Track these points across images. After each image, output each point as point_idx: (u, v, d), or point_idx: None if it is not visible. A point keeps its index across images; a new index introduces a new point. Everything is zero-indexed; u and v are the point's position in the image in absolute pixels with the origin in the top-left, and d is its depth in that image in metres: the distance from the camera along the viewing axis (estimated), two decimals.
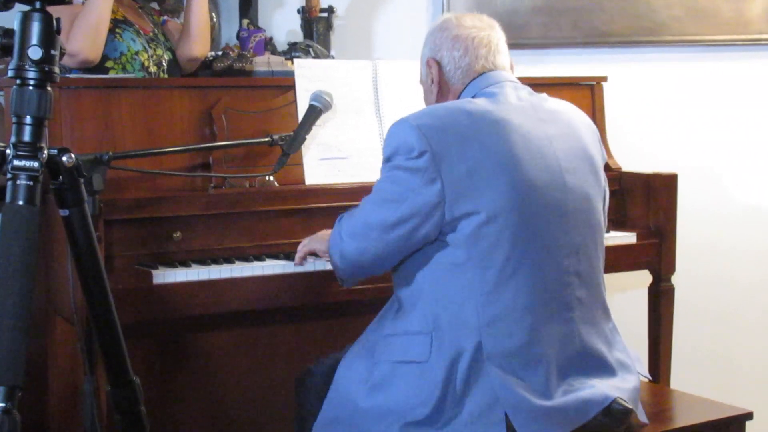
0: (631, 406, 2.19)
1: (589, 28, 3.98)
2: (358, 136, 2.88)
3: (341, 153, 2.84)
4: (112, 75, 2.95)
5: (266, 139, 2.68)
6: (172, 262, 2.50)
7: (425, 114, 2.16)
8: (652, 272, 3.16)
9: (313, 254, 2.50)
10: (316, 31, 3.46)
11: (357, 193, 2.63)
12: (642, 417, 2.27)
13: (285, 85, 2.84)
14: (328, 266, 2.57)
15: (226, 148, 2.69)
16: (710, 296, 4.18)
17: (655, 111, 4.13)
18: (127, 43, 3.01)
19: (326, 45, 3.44)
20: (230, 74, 3.11)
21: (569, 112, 2.32)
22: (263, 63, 3.12)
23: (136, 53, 3.02)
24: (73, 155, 1.81)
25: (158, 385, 2.74)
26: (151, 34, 3.13)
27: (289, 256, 2.59)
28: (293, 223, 2.68)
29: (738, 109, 4.26)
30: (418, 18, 3.80)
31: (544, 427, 2.07)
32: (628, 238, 3.06)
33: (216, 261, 2.54)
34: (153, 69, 3.07)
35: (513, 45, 2.45)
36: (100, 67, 2.95)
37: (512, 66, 2.36)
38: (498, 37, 2.33)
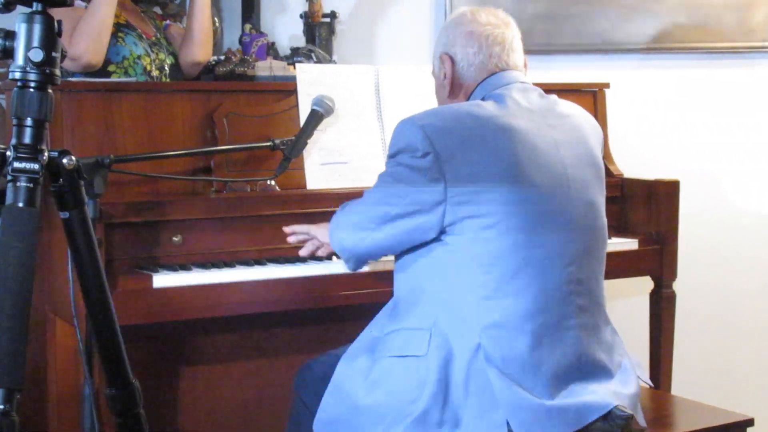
0: (631, 412, 2.18)
1: (592, 34, 3.98)
2: (360, 141, 2.88)
3: (343, 158, 2.84)
4: (114, 79, 2.95)
5: (268, 144, 2.69)
6: (172, 266, 2.50)
7: (432, 114, 2.16)
8: (653, 278, 3.16)
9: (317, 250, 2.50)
10: (319, 36, 3.46)
11: (358, 197, 2.63)
12: (641, 421, 2.27)
13: (287, 89, 2.84)
14: (329, 270, 2.58)
15: (228, 153, 2.69)
16: (712, 302, 4.17)
17: (658, 118, 4.13)
18: (129, 48, 3.01)
19: (328, 50, 3.44)
20: (232, 79, 3.12)
21: (578, 117, 2.31)
22: (265, 68, 3.12)
23: (139, 57, 3.02)
24: (73, 157, 1.81)
25: (158, 388, 2.74)
26: (154, 38, 3.14)
27: (290, 260, 2.60)
28: None
29: (740, 116, 4.26)
30: (421, 23, 3.80)
31: (543, 428, 2.07)
32: (629, 244, 3.06)
33: (217, 265, 2.54)
34: (155, 73, 3.07)
35: None
36: (102, 71, 2.95)
37: (526, 63, 2.35)
38: (513, 34, 2.32)
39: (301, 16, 3.50)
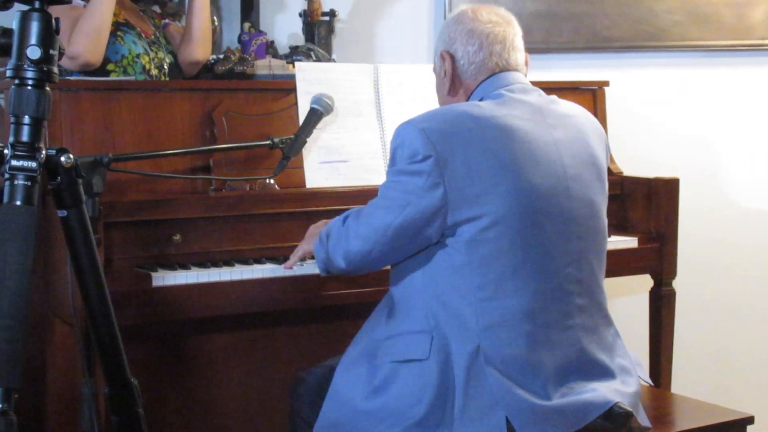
0: (631, 410, 2.18)
1: (591, 33, 3.97)
2: (359, 139, 2.87)
3: (342, 156, 2.84)
4: (113, 77, 2.95)
5: (267, 142, 2.68)
6: (171, 265, 2.49)
7: (431, 117, 2.15)
8: (653, 276, 3.16)
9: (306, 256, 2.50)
10: (318, 35, 3.46)
11: (357, 196, 2.63)
12: (644, 421, 2.26)
13: (286, 88, 2.84)
14: None
15: (227, 151, 2.68)
16: (711, 300, 4.17)
17: (657, 116, 4.12)
18: (128, 46, 3.01)
19: (328, 48, 3.44)
20: (231, 77, 3.11)
21: (579, 116, 2.30)
22: (264, 66, 3.12)
23: (138, 56, 3.02)
24: (71, 155, 1.81)
25: (156, 387, 2.74)
26: (153, 37, 3.13)
27: (288, 260, 2.59)
28: (293, 226, 2.67)
29: (739, 114, 4.26)
30: (420, 21, 3.80)
31: (543, 429, 2.07)
32: (629, 242, 3.06)
33: (216, 264, 2.54)
34: (154, 72, 3.07)
35: None
36: (101, 70, 2.94)
37: (527, 61, 2.35)
38: (514, 32, 2.31)
39: (300, 15, 3.50)
